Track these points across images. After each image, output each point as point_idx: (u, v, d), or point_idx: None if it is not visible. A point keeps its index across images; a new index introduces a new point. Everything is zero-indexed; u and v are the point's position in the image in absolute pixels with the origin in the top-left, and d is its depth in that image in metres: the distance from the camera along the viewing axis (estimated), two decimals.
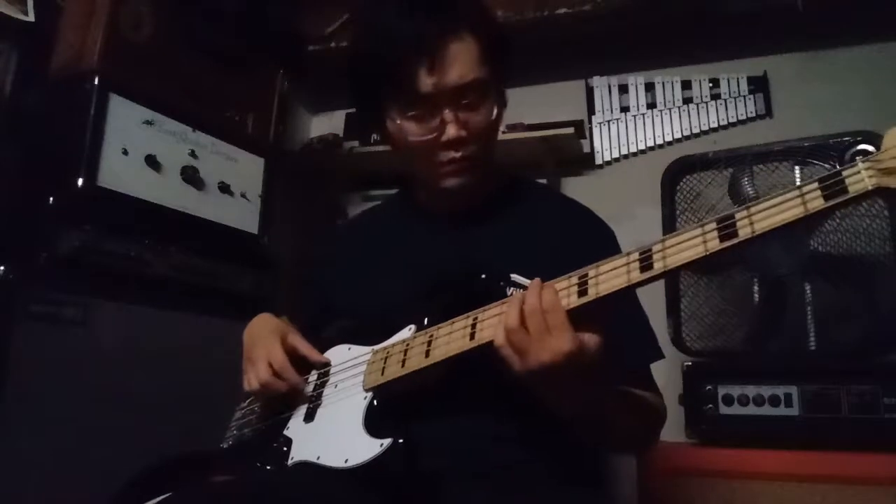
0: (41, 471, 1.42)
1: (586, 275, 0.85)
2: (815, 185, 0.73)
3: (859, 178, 0.70)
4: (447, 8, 1.04)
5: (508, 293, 1.03)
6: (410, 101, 1.03)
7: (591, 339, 0.83)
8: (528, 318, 0.83)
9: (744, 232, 0.76)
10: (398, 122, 1.06)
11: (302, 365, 1.10)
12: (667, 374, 1.46)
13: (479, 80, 1.04)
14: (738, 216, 0.77)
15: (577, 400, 0.88)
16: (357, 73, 1.11)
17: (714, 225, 0.78)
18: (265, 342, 1.11)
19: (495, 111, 1.07)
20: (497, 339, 0.85)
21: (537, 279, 0.87)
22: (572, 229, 1.14)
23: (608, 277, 0.83)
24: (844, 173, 0.71)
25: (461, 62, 1.02)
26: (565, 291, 0.86)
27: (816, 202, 0.72)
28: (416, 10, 1.04)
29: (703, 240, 0.78)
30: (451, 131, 1.03)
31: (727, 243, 0.76)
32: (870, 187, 0.70)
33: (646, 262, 0.81)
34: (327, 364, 1.10)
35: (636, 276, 0.81)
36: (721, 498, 1.46)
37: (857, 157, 0.71)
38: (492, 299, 0.94)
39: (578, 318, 0.84)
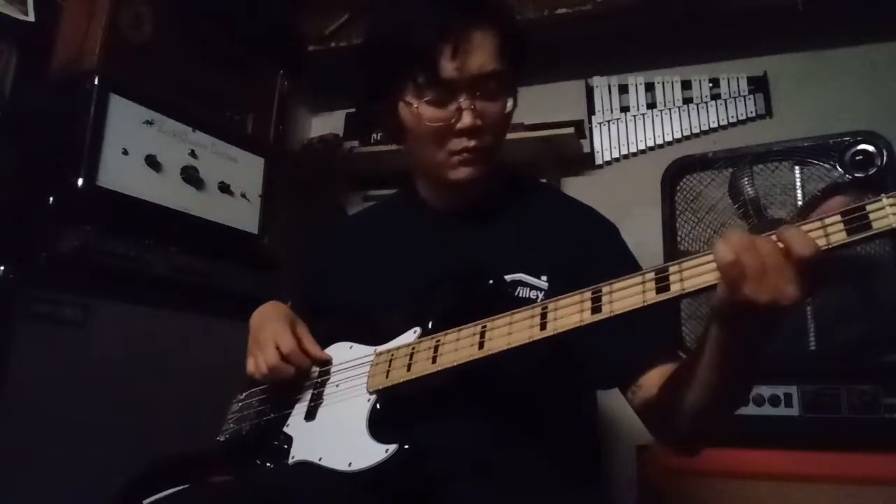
0: (41, 470, 1.42)
1: (600, 290, 0.84)
2: (838, 217, 0.71)
3: (883, 213, 0.69)
4: None
5: (515, 293, 1.03)
6: (429, 85, 1.03)
7: None
8: (772, 252, 0.71)
9: None
10: (414, 106, 1.06)
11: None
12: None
13: (498, 72, 1.05)
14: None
15: (763, 349, 0.81)
16: (375, 54, 1.11)
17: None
18: (274, 326, 1.11)
19: (510, 104, 1.08)
20: (724, 257, 0.72)
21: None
22: (575, 227, 1.14)
23: (622, 296, 0.82)
24: (868, 208, 0.70)
25: (483, 51, 1.03)
26: (578, 306, 0.85)
27: (839, 235, 0.71)
28: None
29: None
30: (467, 119, 1.03)
31: None
32: (894, 225, 0.68)
33: (662, 283, 0.80)
34: (328, 361, 1.10)
35: (651, 297, 0.80)
36: (721, 498, 1.46)
37: (883, 194, 0.69)
38: (497, 304, 0.94)
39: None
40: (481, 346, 0.91)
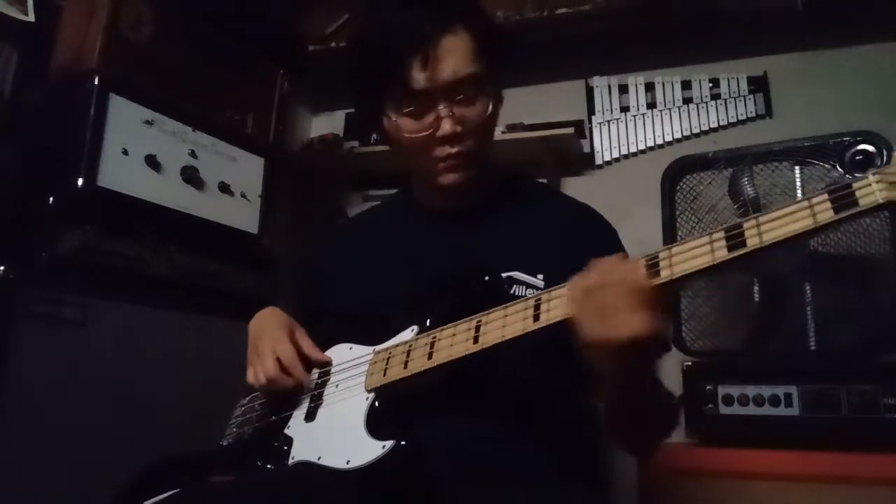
0: (41, 471, 1.42)
1: None
2: (825, 196, 0.72)
3: (870, 190, 0.69)
4: (441, 4, 1.04)
5: (512, 292, 1.03)
6: (405, 97, 1.03)
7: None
8: (609, 286, 0.79)
9: (752, 242, 0.75)
10: (394, 118, 1.06)
11: (304, 363, 1.10)
12: (667, 374, 1.46)
13: (473, 75, 1.04)
14: (746, 226, 0.76)
15: (637, 378, 0.87)
16: (354, 70, 1.11)
17: (722, 234, 0.77)
18: (273, 334, 1.11)
19: (490, 106, 1.07)
20: (574, 296, 0.82)
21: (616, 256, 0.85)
22: (573, 227, 1.14)
23: None
24: (854, 185, 0.70)
25: (455, 57, 1.02)
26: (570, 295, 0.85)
27: (826, 214, 0.71)
28: (410, 5, 1.04)
29: (710, 248, 0.77)
30: (447, 126, 1.03)
31: (735, 253, 0.75)
32: (880, 201, 0.68)
33: (653, 269, 0.80)
34: (329, 363, 1.10)
35: None
36: (721, 498, 1.46)
37: (869, 170, 0.70)
38: (495, 300, 0.94)
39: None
40: (476, 340, 0.91)
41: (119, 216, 1.64)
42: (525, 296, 1.04)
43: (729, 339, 1.61)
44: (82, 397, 1.52)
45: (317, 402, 1.06)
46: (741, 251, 0.75)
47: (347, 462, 0.93)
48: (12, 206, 1.61)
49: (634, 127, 2.34)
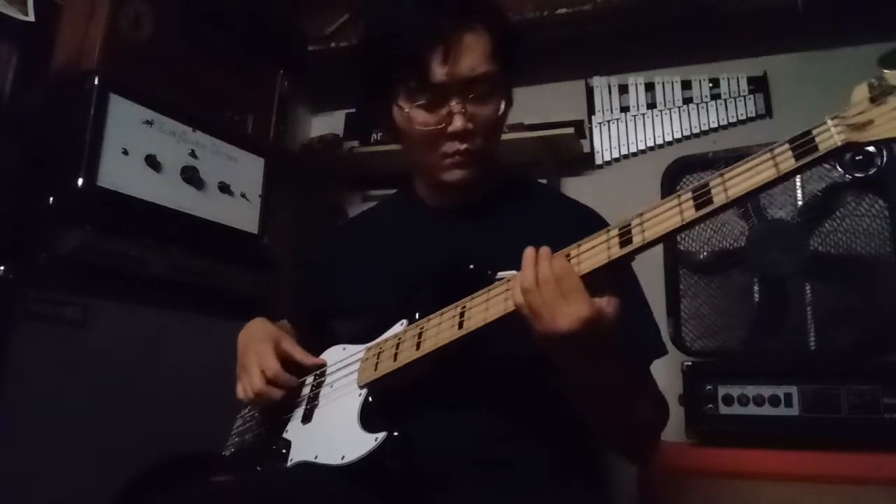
0: (41, 471, 1.42)
1: (568, 255, 0.85)
2: (786, 145, 0.73)
3: (829, 135, 0.72)
4: (464, 1, 1.05)
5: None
6: (420, 89, 1.04)
7: (609, 304, 0.82)
8: (541, 285, 0.82)
9: (718, 199, 0.76)
10: (406, 110, 1.06)
11: (298, 369, 1.10)
12: (667, 374, 1.46)
13: (489, 74, 1.04)
14: (712, 184, 0.77)
15: (597, 371, 0.86)
16: (367, 58, 1.11)
17: (690, 194, 0.78)
18: (257, 348, 1.11)
19: (503, 106, 1.08)
20: (515, 299, 0.84)
21: (546, 248, 0.86)
22: (572, 228, 1.13)
23: (589, 255, 0.84)
24: (814, 132, 0.72)
25: (474, 54, 1.03)
26: None
27: (788, 163, 0.73)
28: (433, 0, 1.04)
29: (679, 210, 0.78)
30: (458, 122, 1.03)
31: (703, 211, 0.77)
32: (839, 143, 0.71)
33: (625, 236, 0.81)
34: (323, 366, 1.10)
35: (616, 251, 0.81)
36: (721, 498, 1.46)
37: (827, 116, 0.72)
38: (481, 287, 0.94)
39: (592, 285, 0.83)
40: (461, 325, 0.91)
41: (119, 216, 1.64)
42: None
43: (729, 339, 1.61)
44: (82, 397, 1.52)
45: (313, 403, 1.07)
46: (709, 208, 0.76)
47: (342, 458, 0.93)
48: (12, 206, 1.61)
49: (634, 127, 2.34)
